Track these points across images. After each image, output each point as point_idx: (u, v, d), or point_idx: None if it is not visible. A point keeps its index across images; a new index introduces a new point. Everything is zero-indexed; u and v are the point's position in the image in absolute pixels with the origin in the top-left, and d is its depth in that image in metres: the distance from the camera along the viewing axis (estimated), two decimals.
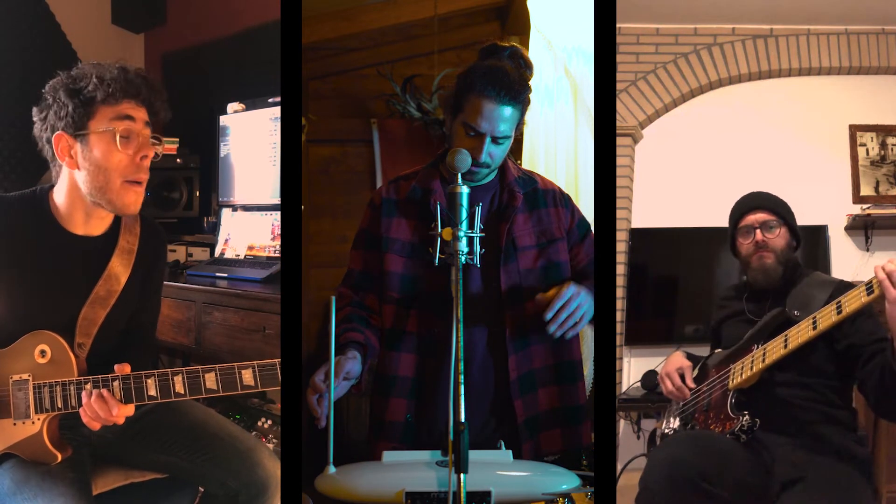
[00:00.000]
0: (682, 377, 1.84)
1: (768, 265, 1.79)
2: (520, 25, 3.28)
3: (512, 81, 1.59)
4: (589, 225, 1.78)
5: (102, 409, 1.47)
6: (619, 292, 3.33)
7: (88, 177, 1.54)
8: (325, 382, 1.44)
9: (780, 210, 1.82)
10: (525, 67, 1.66)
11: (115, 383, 1.49)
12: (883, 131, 3.48)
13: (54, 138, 1.54)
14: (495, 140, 1.60)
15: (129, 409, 1.50)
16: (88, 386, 1.49)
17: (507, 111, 1.59)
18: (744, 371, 1.69)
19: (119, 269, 1.64)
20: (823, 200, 3.37)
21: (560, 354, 1.69)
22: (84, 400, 1.49)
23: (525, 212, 1.70)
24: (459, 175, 1.47)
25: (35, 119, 1.57)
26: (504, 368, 1.64)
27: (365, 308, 1.71)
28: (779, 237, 1.80)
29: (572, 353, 1.71)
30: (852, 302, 1.46)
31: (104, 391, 1.48)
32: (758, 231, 1.80)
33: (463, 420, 1.20)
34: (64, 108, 1.52)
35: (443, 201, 1.65)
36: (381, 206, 1.74)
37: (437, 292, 1.65)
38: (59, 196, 1.60)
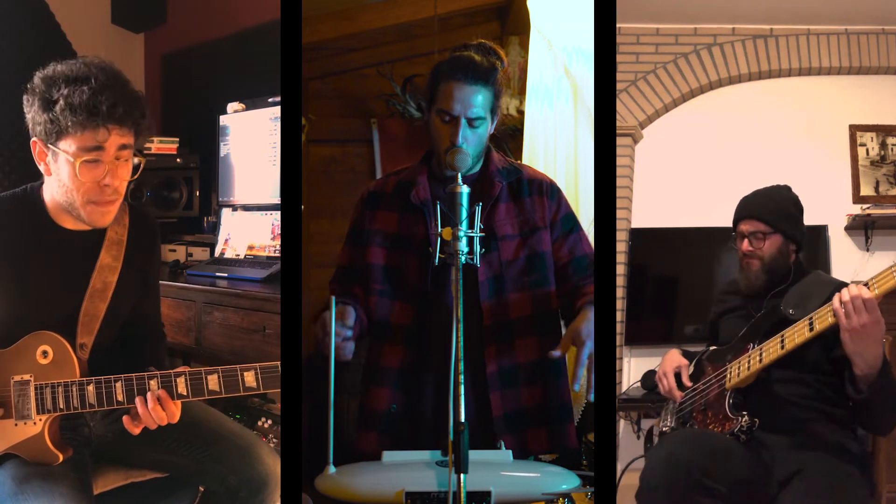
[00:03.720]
0: (679, 376, 1.86)
1: (752, 273, 1.81)
2: (520, 25, 3.28)
3: (478, 64, 1.64)
4: (575, 221, 1.76)
5: (159, 413, 1.47)
6: (619, 292, 3.32)
7: (59, 189, 1.54)
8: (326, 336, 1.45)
9: (771, 218, 1.80)
10: (495, 56, 1.69)
11: (118, 384, 1.49)
12: (883, 131, 3.47)
13: (31, 143, 1.53)
14: (470, 123, 1.62)
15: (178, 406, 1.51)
16: (155, 384, 1.47)
17: (479, 94, 1.62)
18: (741, 371, 1.69)
19: (110, 260, 1.63)
20: (823, 200, 3.35)
21: (544, 351, 1.69)
22: (140, 409, 1.47)
23: (507, 201, 1.71)
24: (459, 175, 1.47)
25: (24, 107, 1.55)
26: (482, 361, 1.64)
27: (352, 296, 1.73)
28: (767, 246, 1.80)
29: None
30: None
31: (161, 392, 1.47)
32: (745, 241, 1.82)
33: (463, 420, 1.20)
34: (38, 116, 1.50)
35: (425, 194, 1.68)
36: (367, 199, 1.78)
37: (419, 285, 1.67)
38: (48, 193, 1.60)
